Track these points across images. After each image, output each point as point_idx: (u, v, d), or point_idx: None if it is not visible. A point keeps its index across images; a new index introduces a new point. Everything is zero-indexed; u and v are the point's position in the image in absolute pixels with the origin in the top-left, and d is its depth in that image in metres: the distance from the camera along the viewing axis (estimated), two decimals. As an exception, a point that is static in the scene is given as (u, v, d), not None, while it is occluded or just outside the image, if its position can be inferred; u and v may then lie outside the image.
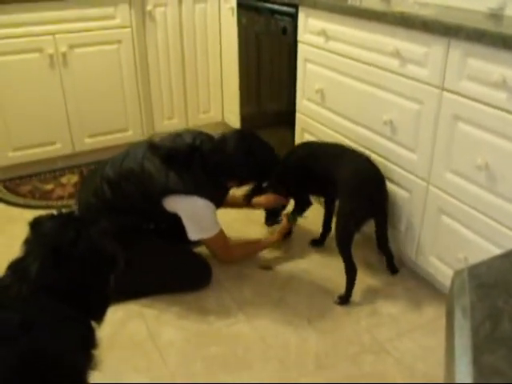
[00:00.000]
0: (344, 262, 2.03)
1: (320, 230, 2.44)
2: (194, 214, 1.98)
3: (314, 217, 2.51)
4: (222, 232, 2.07)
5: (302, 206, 2.38)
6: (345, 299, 2.06)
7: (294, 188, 2.35)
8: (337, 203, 2.11)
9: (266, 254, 2.37)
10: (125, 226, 2.01)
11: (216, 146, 2.03)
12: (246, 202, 2.28)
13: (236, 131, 2.12)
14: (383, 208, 2.09)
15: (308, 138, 2.61)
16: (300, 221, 2.45)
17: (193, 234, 2.01)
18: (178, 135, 2.10)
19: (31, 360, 1.12)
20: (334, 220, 2.26)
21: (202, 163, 1.98)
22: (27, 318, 1.16)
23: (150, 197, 1.94)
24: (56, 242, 1.28)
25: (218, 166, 1.99)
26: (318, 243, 2.43)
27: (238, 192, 2.36)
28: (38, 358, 1.14)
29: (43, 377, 1.14)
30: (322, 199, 2.45)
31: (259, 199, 2.36)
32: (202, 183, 1.96)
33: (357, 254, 2.31)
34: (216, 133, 2.18)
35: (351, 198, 2.02)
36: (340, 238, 2.02)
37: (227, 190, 2.19)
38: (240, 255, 2.28)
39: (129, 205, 1.99)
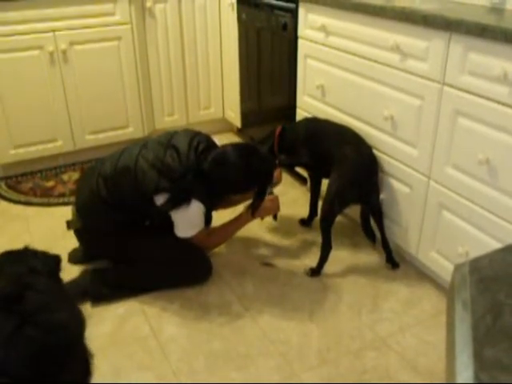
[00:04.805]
0: (322, 238, 2.15)
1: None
2: (184, 213, 1.98)
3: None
4: (203, 227, 2.08)
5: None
6: (315, 272, 2.19)
7: (292, 155, 2.38)
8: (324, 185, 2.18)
9: (268, 250, 2.37)
10: (120, 223, 2.05)
11: (215, 161, 1.99)
12: (252, 213, 2.21)
13: (235, 146, 2.05)
14: (369, 197, 2.15)
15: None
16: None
17: (180, 232, 2.03)
18: (174, 136, 2.06)
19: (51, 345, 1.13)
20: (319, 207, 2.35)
21: (200, 175, 1.97)
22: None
23: (143, 193, 1.96)
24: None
25: (216, 181, 2.00)
26: (305, 223, 2.57)
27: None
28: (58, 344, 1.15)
29: (62, 360, 1.15)
30: (309, 185, 2.53)
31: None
32: (196, 186, 1.97)
33: (357, 250, 2.29)
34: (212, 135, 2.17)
35: (342, 179, 2.09)
36: (324, 216, 2.14)
37: (222, 197, 2.18)
38: (216, 243, 2.25)
39: (123, 201, 2.01)
